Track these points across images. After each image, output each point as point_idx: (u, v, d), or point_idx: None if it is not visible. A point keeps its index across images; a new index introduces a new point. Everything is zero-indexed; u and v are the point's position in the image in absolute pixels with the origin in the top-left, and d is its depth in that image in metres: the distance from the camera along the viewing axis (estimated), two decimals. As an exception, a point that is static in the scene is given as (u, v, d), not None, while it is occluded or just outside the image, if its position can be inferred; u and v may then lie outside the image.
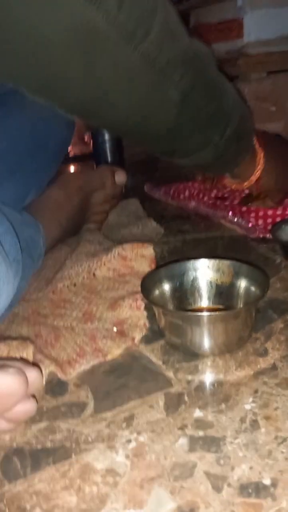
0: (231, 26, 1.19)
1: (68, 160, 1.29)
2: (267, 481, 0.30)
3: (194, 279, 0.50)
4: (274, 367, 0.41)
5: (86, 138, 1.38)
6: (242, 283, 0.48)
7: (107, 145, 1.19)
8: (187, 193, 0.90)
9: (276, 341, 0.45)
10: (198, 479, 0.31)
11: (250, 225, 0.73)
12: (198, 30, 1.30)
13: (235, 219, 0.75)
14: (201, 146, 0.52)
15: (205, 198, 0.85)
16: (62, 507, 0.30)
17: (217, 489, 0.30)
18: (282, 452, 0.32)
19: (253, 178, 0.64)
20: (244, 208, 0.76)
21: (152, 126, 0.48)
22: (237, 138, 0.54)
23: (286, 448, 0.33)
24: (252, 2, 1.14)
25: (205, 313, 0.42)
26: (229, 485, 0.30)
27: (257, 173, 0.63)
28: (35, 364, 0.40)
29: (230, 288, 0.49)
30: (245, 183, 0.65)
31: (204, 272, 0.50)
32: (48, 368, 0.42)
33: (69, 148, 1.26)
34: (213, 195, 0.86)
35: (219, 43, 1.23)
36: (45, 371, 0.42)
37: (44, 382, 0.41)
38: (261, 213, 0.74)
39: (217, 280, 0.50)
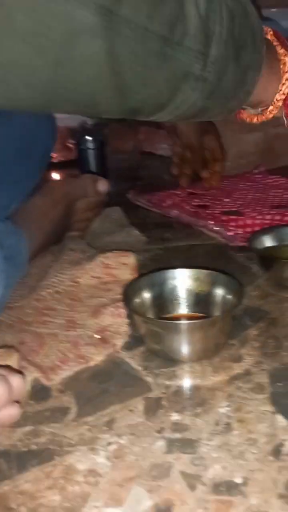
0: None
1: (52, 166, 1.30)
2: (238, 480, 0.32)
3: (174, 288, 0.53)
4: (248, 372, 0.43)
5: (70, 144, 1.39)
6: (219, 292, 0.51)
7: (91, 153, 1.21)
8: (169, 201, 0.92)
9: (251, 347, 0.47)
10: (174, 479, 0.33)
11: (230, 233, 0.75)
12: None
13: (216, 228, 0.78)
14: (173, 88, 0.35)
15: (187, 207, 0.87)
16: (46, 505, 0.31)
17: (192, 487, 0.32)
18: (253, 453, 0.34)
19: (280, 96, 0.44)
20: (224, 217, 0.79)
21: (73, 77, 0.31)
22: (234, 52, 0.36)
23: (257, 449, 0.35)
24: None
25: (183, 321, 0.44)
26: (203, 484, 0.32)
27: (285, 87, 0.43)
28: (18, 371, 0.42)
29: (208, 297, 0.51)
30: (272, 109, 0.44)
31: (183, 281, 0.53)
32: (32, 374, 0.44)
33: (54, 155, 1.28)
34: (194, 203, 0.88)
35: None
36: (29, 378, 0.43)
37: (28, 388, 0.42)
38: (240, 222, 0.77)
39: (195, 288, 0.52)
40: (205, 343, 0.45)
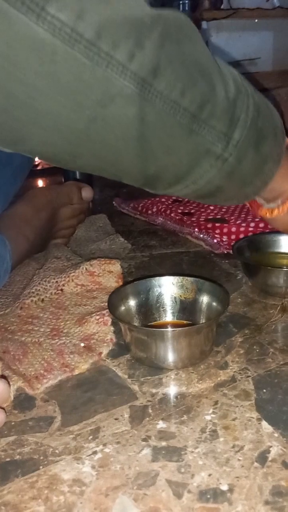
0: (197, 48, 1.25)
1: (36, 174, 1.30)
2: (224, 487, 0.32)
3: (159, 295, 0.53)
4: (233, 379, 0.43)
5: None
6: (205, 299, 0.51)
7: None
8: (154, 208, 0.92)
9: (236, 354, 0.47)
10: (160, 487, 0.32)
11: (215, 241, 0.76)
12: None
13: (201, 235, 0.79)
14: (193, 161, 0.37)
15: (172, 214, 0.88)
16: (30, 518, 0.31)
17: (178, 495, 0.32)
18: (239, 460, 0.34)
19: None
20: (209, 225, 0.79)
21: (107, 145, 0.34)
22: (255, 140, 0.38)
23: (242, 456, 0.35)
24: (216, 25, 1.20)
25: (168, 329, 0.44)
26: (189, 491, 0.32)
27: None
28: (2, 376, 0.41)
29: (193, 304, 0.52)
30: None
31: (168, 288, 0.53)
32: (16, 383, 0.43)
33: (38, 161, 1.27)
34: (179, 210, 0.89)
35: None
36: (13, 387, 0.43)
37: (12, 398, 0.42)
38: (225, 230, 0.78)
39: (181, 296, 0.53)
40: (191, 350, 0.45)
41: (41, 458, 0.36)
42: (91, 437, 0.37)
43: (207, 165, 0.37)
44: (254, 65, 1.27)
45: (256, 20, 1.27)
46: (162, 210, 0.91)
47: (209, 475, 0.33)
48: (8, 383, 0.41)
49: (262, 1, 1.29)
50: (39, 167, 1.33)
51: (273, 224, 0.51)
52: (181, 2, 1.42)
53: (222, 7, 1.25)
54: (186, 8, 1.40)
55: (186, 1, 1.40)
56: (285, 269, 0.58)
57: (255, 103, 0.39)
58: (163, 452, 0.36)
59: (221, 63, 0.38)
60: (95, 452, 0.36)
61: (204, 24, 1.20)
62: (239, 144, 0.37)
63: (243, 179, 0.41)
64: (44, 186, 1.24)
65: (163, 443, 0.36)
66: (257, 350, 0.48)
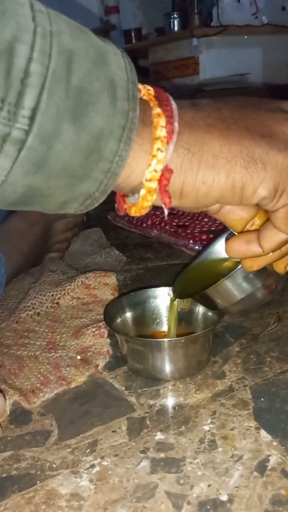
0: (187, 64, 1.26)
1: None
2: (224, 497, 0.32)
3: (155, 306, 0.53)
4: (231, 389, 0.43)
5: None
6: (200, 309, 0.51)
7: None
8: (149, 221, 0.93)
9: (233, 364, 0.47)
10: (159, 499, 0.32)
11: (209, 252, 0.76)
12: (156, 67, 1.36)
13: (196, 247, 0.79)
14: None
15: (167, 227, 0.88)
16: (27, 534, 0.30)
17: (177, 507, 0.31)
18: (238, 470, 0.34)
19: (151, 174, 0.28)
20: (204, 236, 0.80)
21: None
22: (71, 107, 0.25)
23: (241, 465, 0.34)
24: (206, 42, 1.22)
25: (165, 339, 0.44)
26: (188, 503, 0.32)
27: (156, 161, 0.28)
28: (-1, 393, 0.41)
29: (189, 314, 0.51)
30: (145, 195, 0.29)
31: (164, 299, 0.53)
32: (12, 398, 0.43)
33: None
34: (174, 223, 0.89)
35: (176, 79, 1.29)
36: (9, 401, 0.42)
37: (8, 412, 0.41)
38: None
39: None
40: (188, 360, 0.45)
41: (38, 473, 0.35)
42: (88, 450, 0.37)
43: None
44: (244, 80, 1.29)
45: (246, 37, 1.30)
46: (157, 223, 0.91)
47: (209, 485, 0.33)
48: (4, 397, 0.41)
49: (251, 18, 1.32)
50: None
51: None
52: (171, 19, 1.45)
53: (212, 24, 1.28)
54: (177, 25, 1.43)
55: (177, 18, 1.43)
56: None
57: (63, 48, 0.24)
58: (162, 463, 0.35)
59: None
60: (93, 466, 0.35)
61: (194, 41, 1.22)
62: (37, 115, 0.24)
63: (68, 171, 0.26)
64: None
65: (162, 455, 0.36)
66: (254, 359, 0.48)
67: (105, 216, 1.04)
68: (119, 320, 0.50)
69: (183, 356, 0.45)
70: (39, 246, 0.74)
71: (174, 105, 0.29)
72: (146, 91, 0.30)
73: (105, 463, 0.36)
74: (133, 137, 0.27)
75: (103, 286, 0.63)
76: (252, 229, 0.36)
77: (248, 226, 0.36)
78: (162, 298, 0.53)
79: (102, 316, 0.53)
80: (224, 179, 0.30)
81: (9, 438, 0.39)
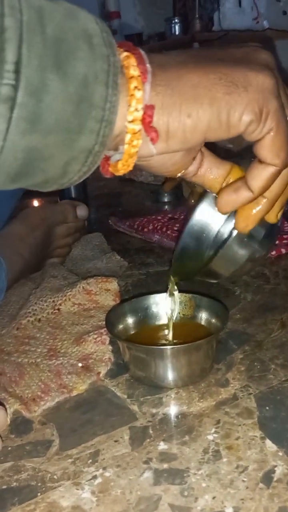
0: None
1: (31, 193, 1.30)
2: (229, 510, 0.31)
3: (157, 313, 0.52)
4: (235, 397, 0.42)
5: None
6: (203, 315, 0.50)
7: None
8: (151, 226, 0.92)
9: (237, 371, 0.46)
10: (163, 512, 0.31)
11: (211, 257, 0.75)
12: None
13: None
14: None
15: (168, 232, 0.88)
16: None
17: (182, 521, 0.31)
18: (243, 481, 0.33)
19: (132, 115, 0.28)
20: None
21: None
22: (53, 57, 0.25)
23: (247, 477, 0.34)
24: (208, 47, 1.22)
25: (168, 346, 0.43)
26: (193, 516, 0.31)
27: (135, 101, 0.28)
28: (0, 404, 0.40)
29: (192, 320, 0.51)
30: (131, 139, 0.29)
31: (166, 305, 0.52)
32: (13, 406, 0.42)
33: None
34: (175, 228, 0.89)
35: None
36: (10, 410, 0.42)
37: (9, 422, 0.41)
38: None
39: (179, 312, 0.52)
40: (191, 368, 0.44)
41: (39, 484, 0.34)
42: (90, 460, 0.36)
43: None
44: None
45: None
46: (158, 227, 0.91)
47: (213, 497, 0.32)
48: (5, 408, 0.40)
49: (252, 23, 1.32)
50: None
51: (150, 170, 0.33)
52: (172, 24, 1.45)
53: (213, 29, 1.28)
54: (178, 30, 1.43)
55: (178, 23, 1.43)
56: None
57: (31, 4, 0.24)
58: (165, 474, 0.34)
59: None
60: (94, 477, 0.35)
61: (196, 46, 1.22)
62: (22, 68, 0.23)
63: (62, 125, 0.25)
64: (39, 205, 1.24)
65: (165, 465, 0.35)
66: (258, 367, 0.47)
67: (106, 221, 1.03)
68: (120, 326, 0.49)
69: (186, 364, 0.44)
70: (40, 251, 0.73)
71: (141, 50, 0.29)
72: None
73: (107, 474, 0.35)
74: (119, 80, 0.27)
75: (105, 292, 0.62)
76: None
77: (224, 184, 0.36)
78: (164, 304, 0.52)
79: (104, 323, 0.52)
80: (209, 108, 0.29)
81: (9, 448, 0.38)
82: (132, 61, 0.28)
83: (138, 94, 0.28)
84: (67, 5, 0.26)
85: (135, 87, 0.28)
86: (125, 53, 0.28)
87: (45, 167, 0.26)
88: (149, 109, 0.28)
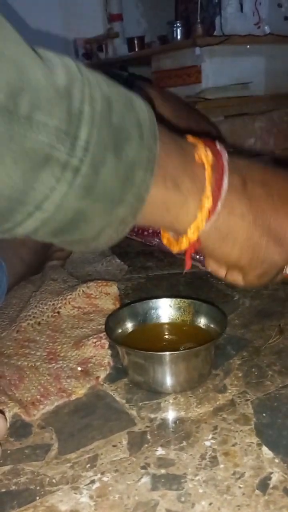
0: (189, 72, 1.27)
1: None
2: (225, 517, 0.32)
3: (157, 318, 0.52)
4: (232, 403, 0.43)
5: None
6: (202, 321, 0.51)
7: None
8: (150, 229, 0.93)
9: (234, 377, 0.47)
10: (160, 517, 0.32)
11: (210, 262, 0.76)
12: (158, 75, 1.37)
13: (197, 256, 0.79)
14: (28, 174, 0.27)
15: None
16: None
17: (178, 526, 0.31)
18: (240, 487, 0.34)
19: (197, 225, 0.34)
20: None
21: None
22: (113, 141, 0.29)
23: (243, 483, 0.34)
24: (209, 51, 1.22)
25: (166, 352, 0.43)
26: (189, 522, 0.31)
27: (199, 222, 0.34)
28: (-1, 410, 0.41)
29: (191, 325, 0.51)
30: (185, 243, 0.35)
31: (166, 310, 0.52)
32: (12, 410, 0.42)
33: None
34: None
35: (178, 88, 1.30)
36: (9, 414, 0.42)
37: (8, 426, 0.41)
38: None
39: (178, 318, 0.52)
40: (189, 374, 0.45)
41: (38, 488, 0.35)
42: (88, 465, 0.37)
43: (51, 179, 0.27)
44: (247, 89, 1.29)
45: (248, 46, 1.30)
46: (158, 231, 0.91)
47: (210, 504, 0.33)
48: (5, 415, 0.40)
49: (254, 28, 1.32)
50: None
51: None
52: (174, 28, 1.46)
53: (215, 33, 1.29)
54: (180, 34, 1.44)
55: (180, 27, 1.43)
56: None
57: (104, 95, 0.29)
58: (163, 480, 0.35)
59: (46, 52, 0.29)
60: (93, 481, 0.35)
61: (197, 50, 1.23)
62: (90, 146, 0.28)
63: (109, 196, 0.30)
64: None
65: (163, 471, 0.36)
66: (256, 373, 0.47)
67: (107, 224, 1.04)
68: (120, 331, 0.50)
69: (184, 369, 0.44)
70: (40, 254, 0.74)
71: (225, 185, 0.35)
72: (205, 155, 0.35)
73: (105, 479, 0.35)
74: (155, 167, 0.31)
75: (104, 296, 0.63)
76: None
77: None
78: (163, 309, 0.53)
79: (103, 326, 0.52)
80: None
81: (8, 452, 0.38)
82: (208, 180, 0.34)
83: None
84: (126, 93, 0.31)
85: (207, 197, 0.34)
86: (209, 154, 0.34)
87: (85, 228, 0.31)
88: (197, 243, 0.36)
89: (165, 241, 0.39)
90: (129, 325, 0.51)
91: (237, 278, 0.40)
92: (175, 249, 0.38)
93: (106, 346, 0.51)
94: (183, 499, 0.33)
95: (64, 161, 0.27)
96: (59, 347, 0.53)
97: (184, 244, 0.35)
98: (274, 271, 0.39)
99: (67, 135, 0.27)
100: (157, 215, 0.34)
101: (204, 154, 0.34)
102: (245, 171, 0.37)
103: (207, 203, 0.34)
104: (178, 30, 1.41)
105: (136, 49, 1.69)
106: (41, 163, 0.27)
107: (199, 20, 1.33)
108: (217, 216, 0.34)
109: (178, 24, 1.45)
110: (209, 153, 0.34)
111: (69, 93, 0.27)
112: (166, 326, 0.52)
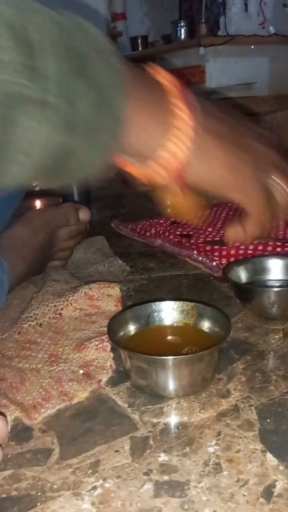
0: (193, 72, 1.26)
1: (34, 195, 1.30)
2: (229, 525, 0.31)
3: (159, 321, 0.52)
4: (236, 408, 0.42)
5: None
6: (206, 325, 0.50)
7: (74, 182, 1.21)
8: (153, 230, 0.92)
9: (238, 382, 0.46)
10: (163, 526, 0.31)
11: (214, 263, 0.75)
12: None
13: (200, 258, 0.78)
14: (3, 119, 0.26)
15: (171, 236, 0.88)
16: None
17: (182, 535, 0.30)
18: (244, 495, 0.33)
19: (165, 154, 0.35)
20: (208, 247, 0.79)
21: None
22: (77, 67, 0.28)
23: (247, 491, 0.34)
24: (213, 51, 1.22)
25: (169, 357, 0.43)
26: (193, 530, 0.31)
27: (172, 144, 0.34)
28: (0, 413, 0.40)
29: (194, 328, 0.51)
30: (157, 169, 0.36)
31: (168, 313, 0.52)
32: (13, 414, 0.42)
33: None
34: (178, 232, 0.89)
35: (183, 88, 1.30)
36: (10, 417, 0.41)
37: (9, 429, 0.41)
38: (224, 252, 0.77)
39: (181, 321, 0.52)
40: (192, 378, 0.44)
41: (39, 494, 0.34)
42: (90, 471, 0.36)
43: (32, 122, 0.26)
44: (251, 90, 1.29)
45: (252, 46, 1.30)
46: (161, 232, 0.91)
47: (213, 511, 0.32)
48: (6, 419, 0.40)
49: (258, 28, 1.32)
50: (37, 188, 1.33)
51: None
52: (178, 27, 1.45)
53: (219, 33, 1.28)
54: (184, 33, 1.43)
55: (184, 27, 1.43)
56: (277, 290, 0.58)
57: (52, 18, 0.28)
58: (166, 487, 0.34)
59: None
60: (95, 487, 0.35)
61: (201, 50, 1.22)
62: (57, 76, 0.26)
63: (90, 125, 0.29)
64: (42, 208, 1.24)
65: (165, 477, 0.35)
66: (260, 378, 0.47)
67: (109, 223, 1.03)
68: (122, 334, 0.49)
69: (187, 374, 0.44)
70: (42, 254, 0.73)
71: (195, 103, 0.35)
72: (162, 72, 0.35)
73: (107, 485, 0.35)
74: (127, 86, 0.31)
75: (107, 298, 0.62)
76: None
77: None
78: (166, 312, 0.52)
79: (105, 329, 0.52)
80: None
81: (9, 456, 0.38)
82: (185, 115, 0.34)
83: (179, 152, 0.35)
84: (77, 20, 0.31)
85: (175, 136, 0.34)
86: (182, 106, 0.34)
87: (71, 162, 0.30)
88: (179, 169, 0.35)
89: (133, 171, 0.37)
90: (132, 328, 0.51)
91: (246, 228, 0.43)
92: (163, 176, 0.36)
93: (108, 348, 0.51)
94: (186, 506, 0.33)
95: (39, 99, 0.26)
96: (60, 349, 0.53)
97: (170, 165, 0.35)
98: (266, 192, 0.41)
99: (24, 67, 0.25)
100: (138, 137, 0.33)
101: (167, 76, 0.35)
102: (199, 99, 0.37)
103: (184, 120, 0.34)
104: (182, 30, 1.41)
105: (140, 48, 1.68)
106: (15, 105, 0.25)
107: (203, 20, 1.32)
108: (195, 134, 0.35)
109: (182, 24, 1.44)
110: (170, 77, 0.35)
111: (13, 23, 0.25)
112: (169, 329, 0.52)
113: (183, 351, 0.46)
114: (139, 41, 1.72)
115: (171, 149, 0.34)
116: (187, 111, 0.34)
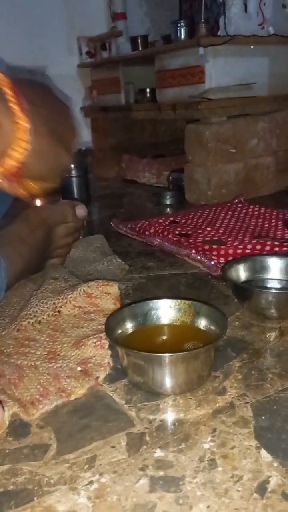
0: (193, 72, 1.26)
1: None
2: (223, 520, 0.31)
3: (157, 319, 0.52)
4: (231, 405, 0.43)
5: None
6: (202, 323, 0.51)
7: (74, 180, 1.21)
8: (152, 230, 0.93)
9: (234, 379, 0.47)
10: (158, 520, 0.32)
11: (212, 263, 0.76)
12: (162, 75, 1.36)
13: (198, 257, 0.79)
14: None
15: (170, 235, 0.88)
16: None
17: (176, 529, 0.31)
18: (238, 491, 0.34)
19: (17, 150, 0.39)
20: (206, 246, 0.80)
21: None
22: None
23: (241, 486, 0.34)
24: (213, 51, 1.22)
25: (166, 354, 0.43)
26: (187, 524, 0.31)
27: (18, 148, 0.39)
28: (-2, 405, 0.41)
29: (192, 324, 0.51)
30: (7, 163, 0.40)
31: (166, 311, 0.52)
32: (11, 409, 0.42)
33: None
34: (177, 232, 0.89)
35: (182, 87, 1.29)
36: (8, 412, 0.42)
37: (7, 424, 0.41)
38: (222, 252, 0.78)
39: (178, 319, 0.52)
40: (189, 375, 0.45)
41: (36, 488, 0.35)
42: (87, 466, 0.37)
43: None
44: (250, 90, 1.29)
45: (252, 47, 1.30)
46: (160, 231, 0.91)
47: (208, 506, 0.33)
48: (3, 409, 0.40)
49: (258, 28, 1.32)
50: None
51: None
52: (178, 27, 1.45)
53: (218, 33, 1.28)
54: (184, 33, 1.43)
55: (183, 27, 1.43)
56: (274, 291, 0.58)
57: None
58: (161, 482, 0.35)
59: None
60: (91, 482, 0.35)
61: (201, 50, 1.22)
62: None
63: None
64: (39, 205, 1.24)
65: (161, 473, 0.36)
66: (255, 375, 0.47)
67: (108, 222, 1.04)
68: (120, 332, 0.50)
69: (184, 371, 0.44)
70: (40, 251, 0.74)
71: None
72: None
73: (103, 480, 0.35)
74: None
75: (105, 296, 0.63)
76: None
77: None
78: (164, 310, 0.53)
79: (103, 326, 0.52)
80: None
81: (7, 451, 0.38)
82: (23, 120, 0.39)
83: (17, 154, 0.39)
84: None
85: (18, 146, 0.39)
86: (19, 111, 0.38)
87: None
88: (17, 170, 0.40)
89: None
90: (129, 326, 0.51)
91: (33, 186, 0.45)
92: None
93: (106, 346, 0.51)
94: (181, 501, 0.33)
95: None
96: (59, 346, 0.53)
97: (9, 165, 0.39)
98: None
99: None
100: None
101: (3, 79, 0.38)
102: (30, 96, 0.40)
103: (22, 123, 0.38)
104: (182, 30, 1.41)
105: (140, 48, 1.68)
106: None
107: (203, 20, 1.32)
108: (31, 136, 0.39)
109: (182, 24, 1.44)
110: (6, 80, 0.38)
111: None
112: (166, 327, 0.52)
113: (180, 349, 0.47)
114: (139, 41, 1.72)
115: (12, 154, 0.39)
116: (23, 117, 0.39)
